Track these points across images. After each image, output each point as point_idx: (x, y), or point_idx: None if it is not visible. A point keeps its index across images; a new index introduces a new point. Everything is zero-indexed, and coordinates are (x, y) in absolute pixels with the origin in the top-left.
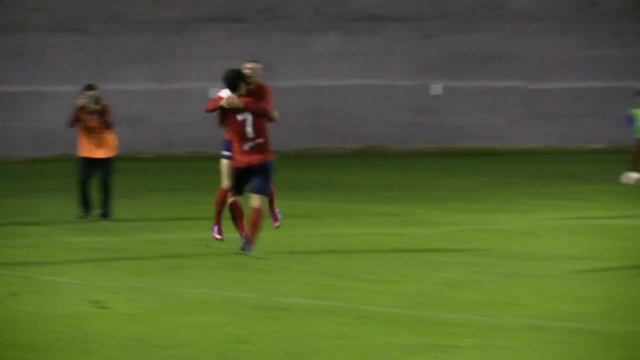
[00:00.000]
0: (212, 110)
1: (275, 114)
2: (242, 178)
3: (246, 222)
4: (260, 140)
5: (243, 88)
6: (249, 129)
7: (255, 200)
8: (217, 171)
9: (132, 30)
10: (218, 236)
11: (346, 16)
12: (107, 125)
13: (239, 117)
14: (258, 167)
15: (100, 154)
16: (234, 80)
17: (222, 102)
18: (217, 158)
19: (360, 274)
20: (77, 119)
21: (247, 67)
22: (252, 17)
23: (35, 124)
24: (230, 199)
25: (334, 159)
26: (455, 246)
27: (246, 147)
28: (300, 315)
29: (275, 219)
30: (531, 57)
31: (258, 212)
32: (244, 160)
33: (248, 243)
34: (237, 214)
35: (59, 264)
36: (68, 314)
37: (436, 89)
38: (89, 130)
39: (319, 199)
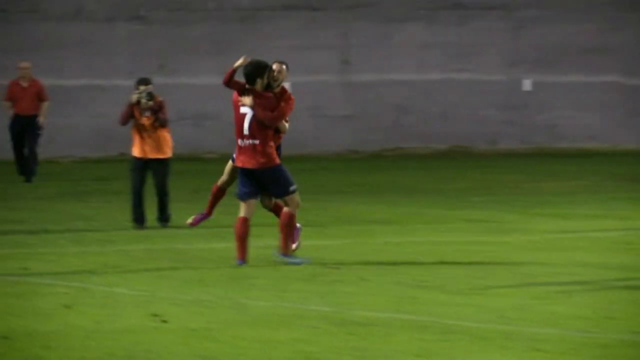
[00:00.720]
0: (229, 81)
1: (284, 126)
2: (248, 179)
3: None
4: (255, 142)
5: (260, 84)
6: (246, 125)
7: (284, 205)
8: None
9: (198, 19)
10: (189, 221)
11: (430, 5)
12: (161, 123)
13: (242, 110)
14: (260, 174)
15: (155, 154)
16: (250, 74)
17: (244, 101)
18: (287, 159)
19: (445, 285)
20: (130, 116)
21: (273, 69)
22: (330, 5)
23: (90, 120)
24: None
25: (417, 159)
26: (549, 256)
27: (241, 143)
28: (379, 330)
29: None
30: (630, 50)
31: (286, 215)
32: (239, 158)
33: (282, 252)
34: (218, 197)
35: (116, 274)
36: (125, 328)
37: (527, 84)
38: (143, 129)
39: (399, 203)
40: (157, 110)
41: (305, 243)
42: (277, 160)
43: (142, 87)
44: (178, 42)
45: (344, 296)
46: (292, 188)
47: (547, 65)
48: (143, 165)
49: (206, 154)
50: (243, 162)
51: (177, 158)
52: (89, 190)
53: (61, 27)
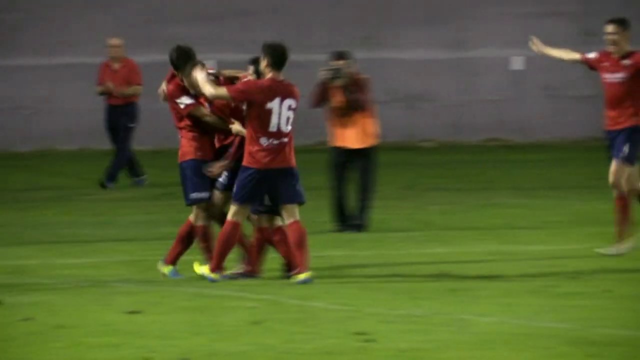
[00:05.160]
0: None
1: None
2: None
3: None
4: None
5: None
6: None
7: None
8: (514, 165)
9: None
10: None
11: None
12: (355, 106)
13: None
14: None
15: (354, 143)
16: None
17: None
18: (513, 147)
19: None
20: (324, 97)
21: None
22: None
23: None
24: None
25: None
26: None
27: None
28: (624, 351)
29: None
30: None
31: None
32: None
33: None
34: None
35: (312, 285)
36: (323, 349)
37: None
38: (338, 112)
39: None
40: (351, 91)
41: (539, 247)
42: (186, 156)
43: (335, 63)
44: (385, 9)
45: (582, 311)
46: (192, 196)
47: None
48: (343, 157)
49: (421, 142)
50: None
51: (386, 147)
52: None
53: None
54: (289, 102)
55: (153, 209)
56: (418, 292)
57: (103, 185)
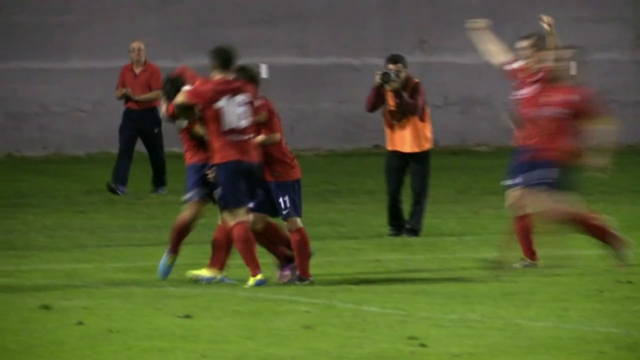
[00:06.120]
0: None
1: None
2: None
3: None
4: None
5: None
6: None
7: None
8: None
9: None
10: None
11: None
12: (409, 110)
13: None
14: None
15: (408, 147)
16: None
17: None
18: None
19: None
20: (379, 101)
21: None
22: None
23: (338, 106)
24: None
25: None
26: None
27: None
28: None
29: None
30: None
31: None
32: None
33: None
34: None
35: (366, 289)
36: (375, 353)
37: None
38: (392, 117)
39: None
40: (401, 95)
41: (592, 252)
42: (191, 159)
43: (391, 66)
44: (440, 13)
45: (636, 316)
46: (186, 195)
47: None
48: (398, 162)
49: (476, 146)
50: None
51: (440, 151)
52: (336, 190)
53: None
54: (239, 98)
55: (206, 212)
56: (472, 297)
57: (156, 191)
